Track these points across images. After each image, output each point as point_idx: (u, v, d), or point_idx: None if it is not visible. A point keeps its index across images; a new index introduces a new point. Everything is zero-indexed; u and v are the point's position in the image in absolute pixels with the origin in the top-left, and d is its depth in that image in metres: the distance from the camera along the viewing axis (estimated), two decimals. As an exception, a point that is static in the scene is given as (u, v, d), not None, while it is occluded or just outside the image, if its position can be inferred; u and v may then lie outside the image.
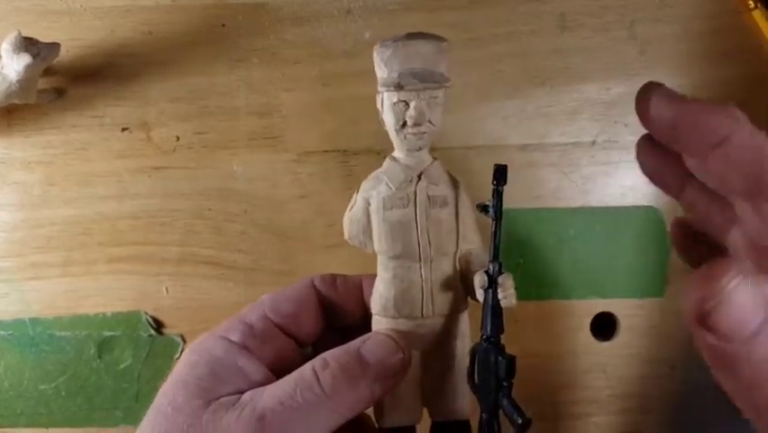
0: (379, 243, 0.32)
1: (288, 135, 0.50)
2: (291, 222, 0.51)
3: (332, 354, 0.30)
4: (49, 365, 0.50)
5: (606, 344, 0.52)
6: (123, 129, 0.50)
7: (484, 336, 0.32)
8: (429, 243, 0.32)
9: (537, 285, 0.52)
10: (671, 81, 0.51)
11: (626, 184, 0.51)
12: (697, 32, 0.51)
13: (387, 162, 0.33)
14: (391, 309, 0.32)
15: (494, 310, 0.31)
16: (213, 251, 0.51)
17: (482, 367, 0.31)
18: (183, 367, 0.30)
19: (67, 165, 0.50)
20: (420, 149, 0.32)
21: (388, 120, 0.32)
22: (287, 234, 0.51)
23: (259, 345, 0.32)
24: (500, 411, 0.31)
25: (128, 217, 0.50)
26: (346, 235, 0.34)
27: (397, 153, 0.33)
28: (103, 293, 0.50)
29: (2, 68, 0.44)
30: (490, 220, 0.32)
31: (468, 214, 0.33)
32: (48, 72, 0.49)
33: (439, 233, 0.32)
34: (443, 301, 0.32)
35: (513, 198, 0.51)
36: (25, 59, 0.43)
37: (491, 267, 0.32)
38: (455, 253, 0.33)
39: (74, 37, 0.49)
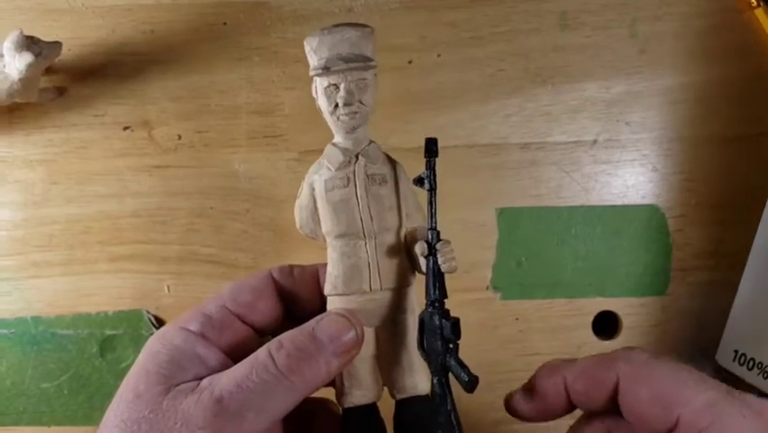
0: (324, 224, 0.33)
1: (290, 134, 0.51)
2: (292, 221, 0.51)
3: (286, 336, 0.31)
4: (51, 364, 0.50)
5: (607, 342, 0.52)
6: (125, 128, 0.50)
7: (428, 301, 0.32)
8: (371, 219, 0.33)
9: (539, 284, 0.52)
10: (671, 80, 0.52)
11: (627, 183, 0.51)
12: (697, 30, 0.51)
13: (327, 148, 0.34)
14: (341, 286, 0.33)
15: (436, 276, 0.32)
16: (214, 249, 0.51)
17: (429, 331, 0.32)
18: (144, 357, 0.31)
19: (68, 164, 0.50)
20: (354, 129, 0.33)
21: (322, 105, 0.33)
22: (288, 233, 0.51)
23: (217, 333, 0.33)
24: (449, 373, 0.32)
25: (129, 216, 0.50)
26: (297, 225, 0.35)
27: (336, 139, 0.34)
28: (104, 292, 0.50)
29: (3, 66, 0.44)
30: (426, 192, 0.33)
31: (409, 192, 0.34)
32: (49, 71, 0.49)
33: (380, 209, 0.33)
34: (390, 275, 0.33)
35: (514, 196, 0.51)
36: (27, 57, 0.43)
37: (430, 235, 0.33)
38: (399, 229, 0.34)
39: (75, 36, 0.49)
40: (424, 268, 0.33)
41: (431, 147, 0.33)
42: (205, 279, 0.51)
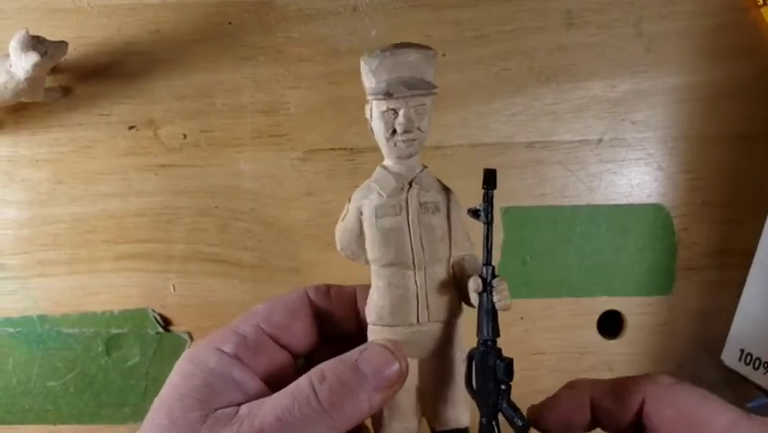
0: (372, 251, 0.32)
1: (295, 133, 0.51)
2: (297, 219, 0.51)
3: (328, 366, 0.30)
4: (57, 362, 0.50)
5: (613, 342, 0.52)
6: (130, 127, 0.50)
7: (481, 340, 0.31)
8: (423, 249, 0.32)
9: (544, 283, 0.52)
10: (677, 78, 0.51)
11: (632, 182, 0.51)
12: (703, 28, 0.51)
13: (377, 171, 0.33)
14: (387, 317, 0.32)
15: (490, 313, 0.31)
16: (219, 248, 0.51)
17: (480, 371, 0.31)
18: (177, 378, 0.30)
19: (74, 163, 0.50)
20: (410, 156, 0.32)
21: (378, 129, 0.32)
22: (293, 232, 0.51)
23: (252, 355, 0.32)
24: (499, 415, 0.31)
25: (134, 215, 0.50)
26: (339, 247, 0.34)
27: (387, 162, 0.33)
28: (110, 290, 0.51)
29: (10, 66, 0.44)
30: (482, 225, 0.32)
31: (459, 220, 0.33)
32: (55, 70, 0.49)
33: (432, 239, 0.32)
34: (438, 307, 0.32)
35: (519, 195, 0.51)
36: (33, 57, 0.43)
37: (485, 270, 0.32)
38: (448, 260, 0.33)
39: (81, 35, 0.50)
40: (475, 302, 0.32)
41: (490, 179, 0.32)
42: (211, 277, 0.51)
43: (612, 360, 0.52)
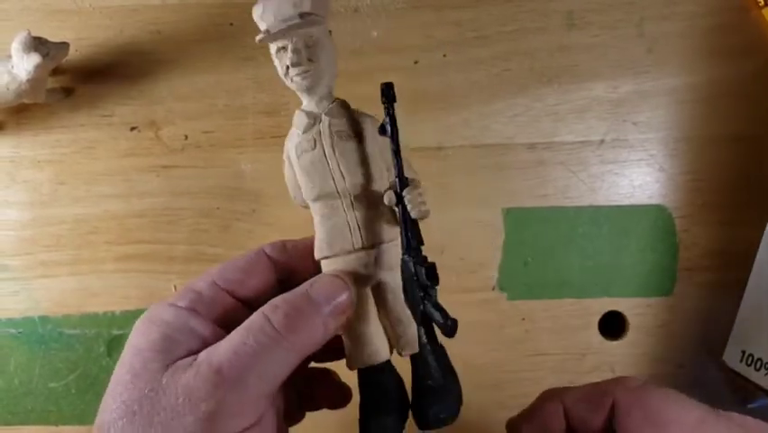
0: (303, 190, 0.33)
1: (296, 134, 0.51)
2: (299, 220, 0.51)
3: (280, 298, 0.31)
4: (58, 363, 0.50)
5: (614, 343, 0.52)
6: (132, 128, 0.50)
7: (403, 250, 0.32)
8: (343, 177, 0.32)
9: (545, 284, 0.52)
10: (679, 79, 0.51)
11: (634, 183, 0.51)
12: (705, 29, 0.51)
13: (295, 114, 0.34)
14: (326, 249, 0.33)
15: (407, 223, 0.31)
16: (220, 249, 0.51)
17: (406, 279, 0.32)
18: (136, 336, 0.30)
19: (75, 164, 0.50)
20: (308, 88, 0.33)
21: (278, 71, 0.33)
22: (294, 233, 0.51)
23: (207, 308, 0.32)
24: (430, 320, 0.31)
25: (136, 216, 0.50)
26: (292, 197, 0.35)
27: (303, 105, 0.34)
28: (111, 291, 0.51)
29: (12, 67, 0.44)
30: (389, 140, 0.32)
31: (378, 144, 0.33)
32: (57, 71, 0.49)
33: (350, 165, 0.32)
34: (372, 232, 0.33)
35: (521, 196, 0.51)
36: (35, 58, 0.43)
37: (396, 183, 0.32)
38: (373, 184, 0.33)
39: (83, 36, 0.50)
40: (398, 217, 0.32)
41: (387, 92, 0.32)
42: (212, 278, 0.51)
43: (614, 361, 0.52)
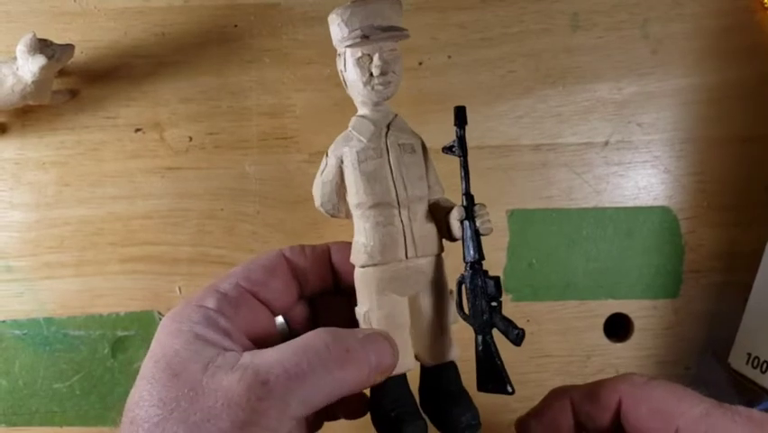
0: (357, 195, 0.33)
1: (300, 135, 0.51)
2: (303, 222, 0.51)
3: (342, 330, 0.31)
4: (63, 364, 0.50)
5: (619, 345, 0.52)
6: (136, 130, 0.51)
7: (468, 263, 0.33)
8: (405, 188, 0.33)
9: (550, 286, 0.51)
10: (683, 80, 0.51)
11: (639, 184, 0.51)
12: (710, 30, 0.51)
13: (354, 120, 0.34)
14: (377, 255, 0.33)
15: (474, 238, 0.33)
16: (225, 251, 0.51)
17: (471, 291, 0.33)
18: (166, 337, 0.30)
19: (80, 165, 0.50)
20: (388, 98, 0.34)
21: (355, 76, 0.33)
22: (298, 235, 0.51)
23: (234, 310, 0.32)
24: (494, 330, 0.33)
25: (141, 217, 0.50)
26: (317, 203, 0.35)
27: (362, 111, 0.35)
28: (116, 293, 0.51)
29: (17, 69, 0.44)
30: (458, 159, 0.34)
31: (431, 164, 0.35)
32: (62, 73, 0.49)
33: (412, 178, 0.34)
34: (423, 243, 0.34)
35: (525, 198, 0.51)
36: (40, 60, 0.43)
37: (465, 199, 0.34)
38: (427, 199, 0.35)
39: (88, 38, 0.50)
40: (458, 234, 0.33)
41: (460, 115, 0.34)
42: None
43: (619, 363, 0.52)
